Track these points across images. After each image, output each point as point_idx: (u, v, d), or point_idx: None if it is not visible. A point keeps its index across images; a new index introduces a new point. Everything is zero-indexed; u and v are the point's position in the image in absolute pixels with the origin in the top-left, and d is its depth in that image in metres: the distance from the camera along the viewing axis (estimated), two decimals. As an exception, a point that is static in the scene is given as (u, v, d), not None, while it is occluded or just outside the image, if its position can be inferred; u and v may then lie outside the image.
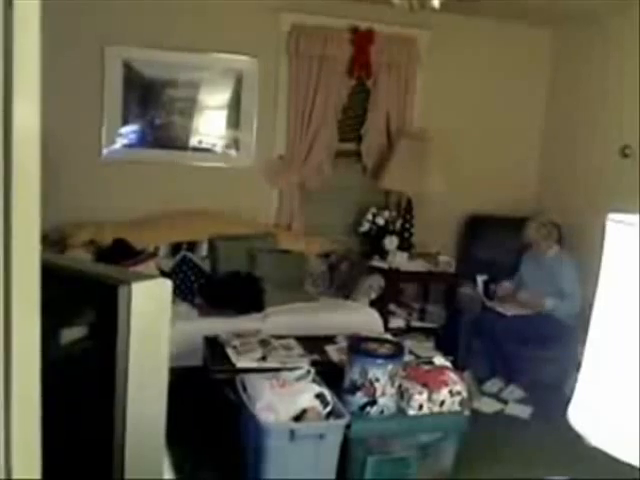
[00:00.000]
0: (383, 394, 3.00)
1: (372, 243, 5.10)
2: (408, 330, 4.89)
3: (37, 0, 0.73)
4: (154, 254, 4.50)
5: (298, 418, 2.86)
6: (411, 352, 3.65)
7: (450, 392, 3.14)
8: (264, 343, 3.67)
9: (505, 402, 4.27)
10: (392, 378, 3.02)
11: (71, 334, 0.94)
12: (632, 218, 0.98)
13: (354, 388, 3.02)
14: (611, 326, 1.00)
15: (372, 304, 4.62)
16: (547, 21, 5.23)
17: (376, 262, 4.92)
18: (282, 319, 4.22)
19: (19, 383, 0.76)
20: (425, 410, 3.09)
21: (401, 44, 5.10)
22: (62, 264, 1.03)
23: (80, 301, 0.97)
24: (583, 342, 1.07)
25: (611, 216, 1.01)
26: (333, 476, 2.96)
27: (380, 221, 5.08)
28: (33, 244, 0.76)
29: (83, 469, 1.03)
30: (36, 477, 0.81)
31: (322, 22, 4.90)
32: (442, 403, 3.12)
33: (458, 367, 3.78)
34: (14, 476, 0.78)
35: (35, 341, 0.76)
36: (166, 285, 0.98)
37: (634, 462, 0.94)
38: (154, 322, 0.97)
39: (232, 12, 4.78)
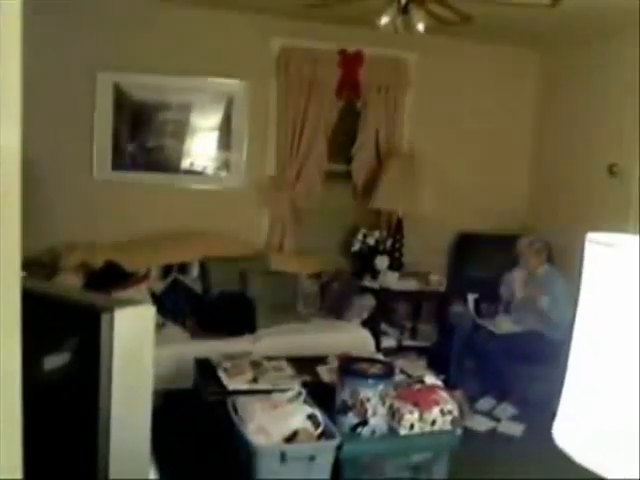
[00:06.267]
0: (374, 414, 2.99)
1: (363, 263, 5.11)
2: (400, 349, 4.89)
3: (18, 24, 0.74)
4: (145, 276, 4.49)
5: (290, 439, 2.85)
6: (403, 371, 3.64)
7: (441, 411, 3.14)
8: (255, 365, 3.66)
9: (497, 420, 4.26)
10: (383, 398, 3.01)
11: (55, 361, 0.95)
12: (611, 238, 0.99)
13: (345, 408, 3.02)
14: (592, 345, 1.01)
15: (364, 324, 4.63)
16: (533, 43, 5.30)
17: (367, 282, 4.93)
18: (274, 340, 4.22)
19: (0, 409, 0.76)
20: (416, 430, 3.08)
21: (389, 66, 5.16)
22: (46, 291, 1.04)
23: (64, 328, 0.98)
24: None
25: (590, 236, 1.02)
26: (325, 498, 2.94)
27: (371, 241, 5.10)
28: (14, 269, 0.77)
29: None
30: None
31: (311, 45, 4.96)
32: (433, 422, 3.11)
33: (450, 385, 3.77)
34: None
35: (16, 367, 0.77)
36: (149, 311, 0.99)
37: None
38: (137, 348, 0.97)
39: (222, 36, 4.83)
